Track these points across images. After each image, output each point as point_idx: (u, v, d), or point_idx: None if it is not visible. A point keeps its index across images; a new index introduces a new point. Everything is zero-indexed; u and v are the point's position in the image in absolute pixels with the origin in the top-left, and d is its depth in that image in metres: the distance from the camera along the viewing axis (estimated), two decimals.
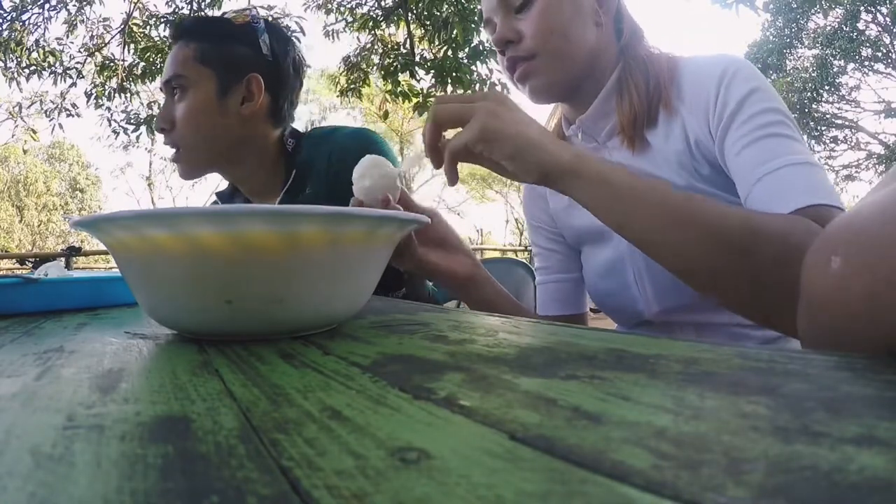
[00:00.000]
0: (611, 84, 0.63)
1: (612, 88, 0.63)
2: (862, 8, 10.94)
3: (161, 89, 0.91)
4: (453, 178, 0.54)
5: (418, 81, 4.64)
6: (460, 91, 4.33)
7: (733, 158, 0.55)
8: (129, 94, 5.11)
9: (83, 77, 5.17)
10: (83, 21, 5.05)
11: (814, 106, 12.00)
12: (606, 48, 0.64)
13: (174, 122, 0.85)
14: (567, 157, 0.48)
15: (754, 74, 0.56)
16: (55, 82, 5.06)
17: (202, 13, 4.80)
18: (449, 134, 0.53)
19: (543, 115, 0.78)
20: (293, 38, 0.95)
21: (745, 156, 0.53)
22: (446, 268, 0.64)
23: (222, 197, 1.02)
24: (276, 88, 0.89)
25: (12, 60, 4.85)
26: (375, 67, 4.88)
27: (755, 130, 0.53)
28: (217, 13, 4.84)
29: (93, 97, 5.10)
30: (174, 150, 0.87)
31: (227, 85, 0.85)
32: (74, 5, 4.93)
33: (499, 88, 4.29)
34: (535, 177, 0.49)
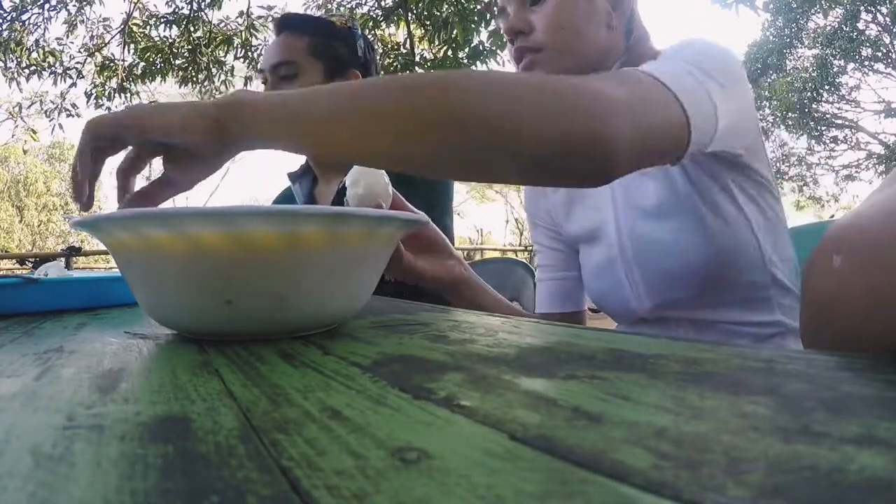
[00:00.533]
0: None
1: None
2: (862, 8, 10.94)
3: (261, 72, 1.00)
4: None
5: None
6: None
7: None
8: (129, 94, 5.11)
9: (83, 77, 5.16)
10: (83, 21, 5.05)
11: (814, 106, 12.00)
12: (613, 50, 0.64)
13: None
14: (216, 101, 0.40)
15: (707, 49, 0.51)
16: (55, 82, 5.05)
17: (202, 13, 4.80)
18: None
19: None
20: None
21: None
22: (433, 274, 0.63)
23: (293, 177, 1.09)
24: None
25: (12, 60, 4.85)
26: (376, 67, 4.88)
27: (666, 59, 0.50)
28: (217, 13, 4.86)
29: (93, 97, 5.10)
30: None
31: (331, 77, 0.96)
32: (74, 5, 4.92)
33: None
34: (201, 135, 0.39)
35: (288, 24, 0.99)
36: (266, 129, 0.39)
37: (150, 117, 0.39)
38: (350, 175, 0.57)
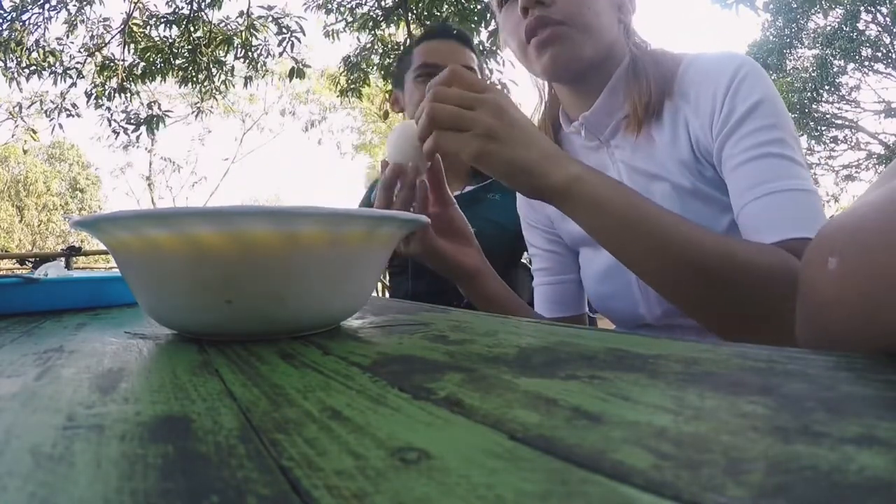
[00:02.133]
0: (621, 71, 0.63)
1: (620, 79, 0.63)
2: (862, 8, 10.93)
3: (430, 66, 1.06)
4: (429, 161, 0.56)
5: None
6: None
7: (729, 172, 0.55)
8: (129, 94, 5.11)
9: (83, 77, 5.16)
10: (83, 21, 5.05)
11: (814, 106, 11.99)
12: (618, 46, 0.63)
13: None
14: (560, 179, 0.48)
15: (765, 82, 0.56)
16: (55, 82, 5.05)
17: (202, 13, 4.80)
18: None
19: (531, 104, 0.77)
20: None
21: (741, 172, 0.53)
22: (453, 259, 0.63)
23: None
24: None
25: (12, 60, 4.85)
26: (375, 67, 4.88)
27: (756, 147, 0.53)
28: (217, 13, 4.86)
29: (93, 97, 5.10)
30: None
31: None
32: (74, 5, 4.92)
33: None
34: (526, 195, 0.51)
35: (466, 40, 1.16)
36: (575, 216, 0.49)
37: (496, 164, 0.49)
38: (392, 133, 0.58)
